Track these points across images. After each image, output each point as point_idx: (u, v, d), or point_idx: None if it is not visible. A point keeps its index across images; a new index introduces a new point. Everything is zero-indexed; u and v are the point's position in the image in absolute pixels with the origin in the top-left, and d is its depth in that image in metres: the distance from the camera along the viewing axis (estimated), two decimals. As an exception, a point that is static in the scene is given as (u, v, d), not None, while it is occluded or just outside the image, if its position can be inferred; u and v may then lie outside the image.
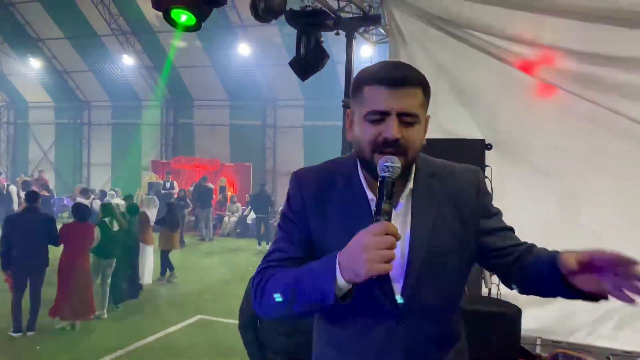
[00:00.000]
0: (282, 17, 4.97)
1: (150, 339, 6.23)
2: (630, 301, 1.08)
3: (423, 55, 4.27)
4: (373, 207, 1.23)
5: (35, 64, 18.07)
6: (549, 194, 3.86)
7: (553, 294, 1.28)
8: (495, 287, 3.59)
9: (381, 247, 1.09)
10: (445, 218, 1.35)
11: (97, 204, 12.74)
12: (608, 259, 1.08)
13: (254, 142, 17.28)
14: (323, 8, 5.08)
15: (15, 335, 6.02)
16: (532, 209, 3.74)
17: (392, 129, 1.23)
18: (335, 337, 1.41)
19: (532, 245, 1.39)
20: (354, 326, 1.36)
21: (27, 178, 16.74)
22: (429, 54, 4.25)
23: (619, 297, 1.09)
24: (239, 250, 13.03)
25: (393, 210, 1.23)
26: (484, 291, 3.66)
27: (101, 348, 5.82)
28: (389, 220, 1.16)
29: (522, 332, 2.80)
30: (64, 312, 6.33)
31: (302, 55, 5.17)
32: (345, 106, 5.29)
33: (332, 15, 5.20)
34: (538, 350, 3.78)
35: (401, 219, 1.33)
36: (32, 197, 6.50)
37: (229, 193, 16.37)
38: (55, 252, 6.38)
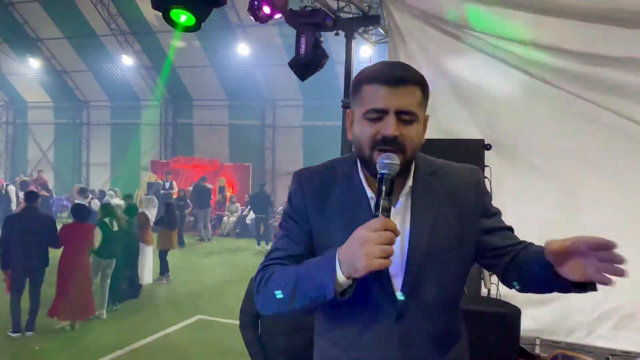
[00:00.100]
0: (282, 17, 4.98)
1: (149, 339, 6.22)
2: (608, 282, 1.10)
3: (422, 55, 4.27)
4: (372, 205, 1.25)
5: (34, 63, 18.05)
6: (548, 193, 3.86)
7: (547, 288, 1.29)
8: (494, 287, 3.60)
9: (380, 243, 1.11)
10: (445, 217, 1.36)
11: (95, 204, 12.74)
12: (589, 243, 1.10)
13: (253, 142, 17.28)
14: (322, 8, 5.08)
15: (14, 335, 6.02)
16: (531, 209, 3.75)
17: (390, 127, 1.25)
18: (335, 335, 1.42)
19: (530, 244, 1.40)
20: (353, 324, 1.37)
21: (26, 178, 16.72)
22: (428, 54, 4.25)
23: (598, 280, 1.12)
24: (238, 251, 13.02)
25: (392, 207, 1.25)
26: (484, 291, 3.66)
27: (100, 348, 5.82)
28: (388, 216, 1.17)
29: (522, 332, 2.80)
30: (64, 312, 6.33)
31: (301, 55, 5.17)
32: (345, 106, 5.29)
33: (332, 15, 5.20)
34: (537, 350, 3.78)
35: (400, 217, 1.34)
36: (31, 197, 6.49)
37: (228, 193, 16.37)
38: (54, 252, 6.37)
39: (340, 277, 1.17)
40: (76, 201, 12.32)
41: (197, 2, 3.67)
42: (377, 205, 1.19)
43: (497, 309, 2.81)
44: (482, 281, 3.62)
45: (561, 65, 3.54)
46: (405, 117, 1.27)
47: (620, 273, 1.08)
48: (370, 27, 5.73)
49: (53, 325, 6.36)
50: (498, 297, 3.51)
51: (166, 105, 18.75)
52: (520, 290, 1.39)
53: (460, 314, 1.49)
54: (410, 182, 1.37)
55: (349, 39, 5.35)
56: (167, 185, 15.48)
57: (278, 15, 4.78)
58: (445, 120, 3.99)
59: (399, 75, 1.28)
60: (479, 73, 4.05)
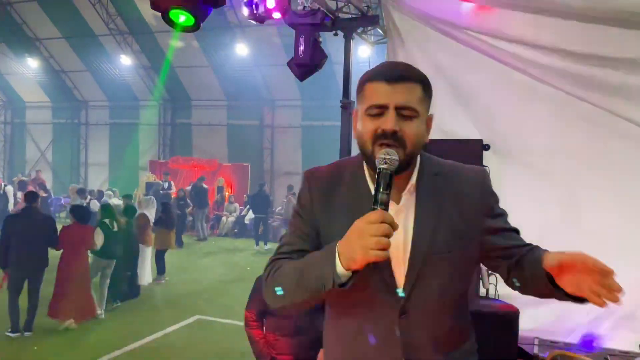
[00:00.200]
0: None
1: (148, 339, 6.22)
2: (602, 305, 1.11)
3: (421, 56, 4.28)
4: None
5: (32, 63, 18.01)
6: (547, 194, 3.87)
7: (545, 295, 1.31)
8: (493, 287, 3.61)
9: (376, 234, 1.13)
10: (449, 216, 1.37)
11: (94, 205, 12.73)
12: (586, 266, 1.11)
13: (251, 142, 17.27)
14: (321, 8, 5.09)
15: (12, 335, 6.01)
16: (530, 209, 3.75)
17: (389, 121, 1.28)
18: (340, 332, 1.46)
19: (535, 247, 1.40)
20: (357, 319, 1.40)
21: (24, 178, 16.70)
22: (427, 54, 4.26)
23: (593, 301, 1.13)
24: (236, 251, 13.02)
25: (395, 205, 1.31)
26: (482, 291, 3.67)
27: (99, 348, 5.81)
28: (386, 210, 1.19)
29: (520, 332, 2.81)
30: (63, 313, 6.32)
31: (300, 55, 5.18)
32: (344, 106, 5.30)
33: (331, 15, 5.21)
34: (535, 350, 3.78)
35: (404, 214, 1.37)
36: (31, 197, 6.48)
37: (227, 193, 16.37)
38: (54, 252, 6.37)
39: (340, 268, 1.20)
40: (75, 202, 12.35)
41: (196, 3, 3.67)
42: (375, 198, 1.21)
43: (496, 309, 2.82)
44: (481, 281, 3.62)
45: (560, 65, 3.54)
46: (405, 112, 1.30)
47: (615, 300, 1.09)
48: (369, 28, 5.74)
49: (52, 326, 6.35)
50: (496, 298, 3.52)
51: (165, 105, 18.73)
52: (522, 293, 1.40)
53: (468, 315, 1.50)
54: (413, 181, 1.39)
55: (347, 39, 5.36)
56: (166, 185, 15.49)
57: (277, 15, 4.78)
58: (443, 121, 3.99)
59: (399, 72, 1.32)
60: (477, 73, 4.06)
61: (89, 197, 13.73)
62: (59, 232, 6.37)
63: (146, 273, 8.69)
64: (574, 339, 3.79)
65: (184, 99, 18.15)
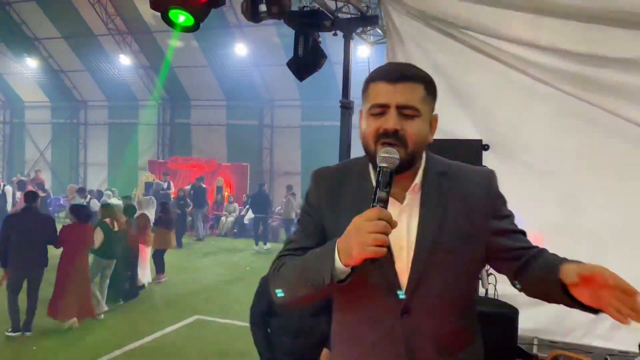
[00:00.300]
0: (280, 17, 4.97)
1: (147, 339, 6.21)
2: (626, 323, 1.10)
3: (420, 56, 4.27)
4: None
5: (31, 63, 18.01)
6: (546, 194, 3.86)
7: (554, 301, 1.30)
8: (492, 287, 3.60)
9: (373, 231, 1.15)
10: (453, 216, 1.37)
11: (95, 204, 12.73)
12: (609, 283, 1.09)
13: (251, 142, 17.27)
14: (321, 8, 5.08)
15: (13, 334, 6.00)
16: (530, 209, 3.74)
17: (390, 120, 1.30)
18: (345, 330, 1.48)
19: (543, 250, 1.40)
20: (360, 317, 1.41)
21: (23, 178, 16.68)
22: (426, 55, 4.26)
23: (616, 319, 1.11)
24: (236, 251, 13.01)
25: (399, 204, 1.33)
26: (481, 291, 3.67)
27: (98, 348, 5.81)
28: (385, 207, 1.20)
29: (519, 332, 2.81)
30: (63, 313, 6.31)
31: (299, 55, 5.17)
32: (343, 106, 5.29)
33: (330, 15, 5.20)
34: (535, 350, 3.79)
35: (407, 214, 1.38)
36: (30, 197, 6.48)
37: (226, 193, 16.36)
38: (54, 252, 6.36)
39: (338, 264, 1.22)
40: (74, 201, 12.33)
41: (196, 3, 3.66)
42: (374, 196, 1.22)
43: (495, 309, 2.82)
44: (480, 281, 3.62)
45: (559, 65, 3.54)
46: (406, 111, 1.32)
47: (637, 319, 1.08)
48: (369, 28, 5.73)
49: (51, 326, 6.34)
50: (496, 297, 3.52)
51: (164, 105, 18.73)
52: (527, 295, 1.40)
53: (474, 318, 1.49)
54: (417, 180, 1.40)
55: (347, 40, 5.35)
56: (165, 185, 15.49)
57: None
58: (442, 120, 3.94)
59: (400, 72, 1.34)
60: (477, 73, 4.06)
61: (89, 196, 13.71)
62: (59, 232, 6.37)
63: (146, 273, 8.69)
64: (573, 338, 3.80)
65: (183, 99, 18.15)
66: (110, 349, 5.77)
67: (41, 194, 14.45)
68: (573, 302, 1.21)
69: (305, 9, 5.27)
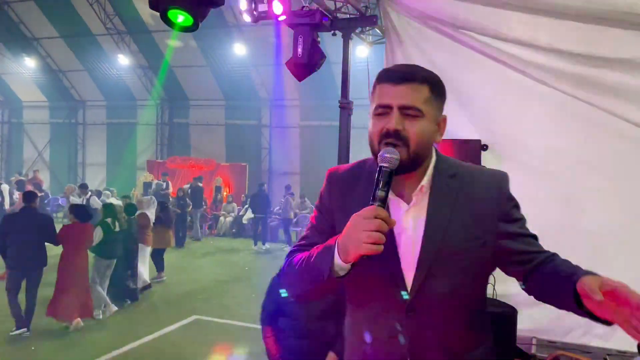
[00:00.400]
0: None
1: (146, 339, 6.21)
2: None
3: (419, 56, 4.27)
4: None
5: (29, 63, 17.98)
6: (546, 194, 3.86)
7: (564, 308, 1.30)
8: (490, 287, 3.60)
9: (369, 229, 1.17)
10: (461, 218, 1.38)
11: (95, 201, 12.71)
12: (632, 303, 1.07)
13: (249, 142, 17.27)
14: (319, 9, 5.08)
15: (18, 332, 5.98)
16: (529, 209, 3.72)
17: (392, 121, 1.32)
18: (353, 327, 1.52)
19: (554, 255, 1.40)
20: (366, 316, 1.44)
21: (21, 178, 16.65)
22: (425, 55, 4.26)
23: (633, 337, 1.10)
24: (234, 251, 13.01)
25: (406, 204, 1.37)
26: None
27: (97, 348, 5.80)
28: (382, 206, 1.22)
29: (518, 332, 2.81)
30: (61, 312, 6.30)
31: (298, 55, 5.17)
32: (342, 106, 5.29)
33: (329, 15, 5.20)
34: (534, 350, 3.78)
35: (414, 214, 1.39)
36: (29, 197, 6.47)
37: (225, 193, 16.35)
38: (54, 252, 6.35)
39: (338, 260, 1.25)
40: (74, 199, 12.32)
41: (195, 3, 3.65)
42: (373, 194, 1.24)
43: (493, 308, 2.82)
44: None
45: (558, 66, 3.54)
46: (409, 112, 1.33)
47: None
48: (367, 28, 5.73)
49: (51, 326, 6.34)
50: (494, 297, 3.52)
51: (162, 105, 18.71)
52: (536, 299, 1.41)
53: (484, 321, 1.49)
54: (424, 181, 1.40)
55: (346, 40, 5.35)
56: (164, 185, 15.48)
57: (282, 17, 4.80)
58: (442, 121, 3.97)
59: (403, 74, 1.35)
60: (476, 73, 4.05)
61: (89, 192, 13.65)
62: (58, 231, 6.36)
63: (145, 273, 8.68)
64: (572, 338, 3.79)
65: (182, 99, 18.14)
66: (109, 349, 5.76)
67: (39, 194, 14.44)
68: (584, 312, 1.19)
69: (304, 8, 5.27)
